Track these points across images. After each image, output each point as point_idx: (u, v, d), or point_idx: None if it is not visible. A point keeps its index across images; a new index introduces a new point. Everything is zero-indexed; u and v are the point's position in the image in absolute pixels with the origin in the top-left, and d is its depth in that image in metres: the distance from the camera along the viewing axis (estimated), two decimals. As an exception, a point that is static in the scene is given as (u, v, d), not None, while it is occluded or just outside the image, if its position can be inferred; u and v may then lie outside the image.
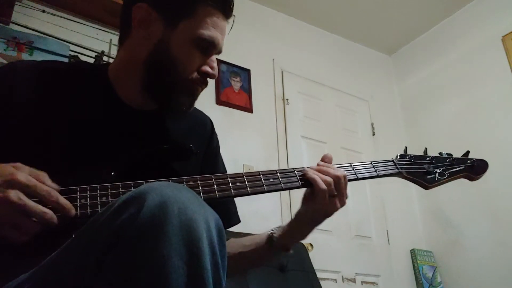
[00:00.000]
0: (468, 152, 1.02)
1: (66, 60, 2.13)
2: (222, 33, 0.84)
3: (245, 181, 0.78)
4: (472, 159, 1.01)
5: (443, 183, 0.96)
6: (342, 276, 2.81)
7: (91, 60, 2.29)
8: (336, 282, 2.76)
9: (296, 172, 0.84)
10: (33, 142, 0.75)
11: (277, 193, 2.68)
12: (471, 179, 1.00)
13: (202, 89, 0.86)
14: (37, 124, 0.77)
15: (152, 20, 0.81)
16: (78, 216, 0.65)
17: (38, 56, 2.08)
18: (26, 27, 2.17)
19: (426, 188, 0.95)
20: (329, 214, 0.84)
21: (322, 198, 0.81)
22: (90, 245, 0.53)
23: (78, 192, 0.67)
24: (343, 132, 3.34)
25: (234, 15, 0.86)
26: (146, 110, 0.87)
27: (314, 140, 3.14)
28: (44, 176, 0.65)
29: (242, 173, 0.79)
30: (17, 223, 0.61)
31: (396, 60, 3.97)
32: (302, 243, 1.89)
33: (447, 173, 0.96)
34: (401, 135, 3.67)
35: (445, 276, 3.10)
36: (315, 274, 1.91)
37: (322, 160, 0.88)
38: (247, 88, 2.97)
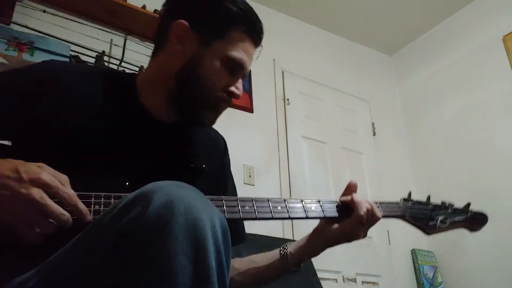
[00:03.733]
0: (469, 204, 1.04)
1: (66, 60, 2.13)
2: (250, 58, 0.90)
3: (254, 205, 0.80)
4: (472, 211, 1.03)
5: (443, 230, 0.99)
6: (343, 276, 2.81)
7: (92, 60, 2.29)
8: (336, 282, 2.76)
9: (304, 203, 0.86)
10: (54, 144, 0.76)
11: (279, 194, 2.69)
12: (471, 230, 1.03)
13: (226, 107, 0.90)
14: (61, 126, 0.78)
15: (189, 37, 0.86)
16: (91, 221, 0.66)
17: (39, 56, 2.08)
18: (26, 27, 2.18)
19: (427, 234, 0.99)
20: (351, 240, 0.88)
21: (357, 223, 0.86)
22: (96, 243, 0.53)
23: (92, 198, 0.68)
24: (343, 132, 3.34)
25: (262, 46, 0.93)
26: (168, 121, 0.90)
27: (314, 140, 3.14)
28: (66, 180, 0.66)
29: (252, 198, 0.80)
30: (35, 222, 0.61)
31: (396, 60, 3.97)
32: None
33: (448, 222, 0.99)
34: (402, 135, 3.67)
35: (446, 276, 3.10)
36: (316, 274, 1.90)
37: (349, 187, 0.92)
38: (247, 88, 2.97)
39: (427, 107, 3.54)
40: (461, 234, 3.34)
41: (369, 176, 3.27)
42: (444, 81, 3.45)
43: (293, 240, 0.95)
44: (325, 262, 2.68)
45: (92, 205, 0.67)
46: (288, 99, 3.14)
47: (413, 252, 3.16)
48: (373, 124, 3.54)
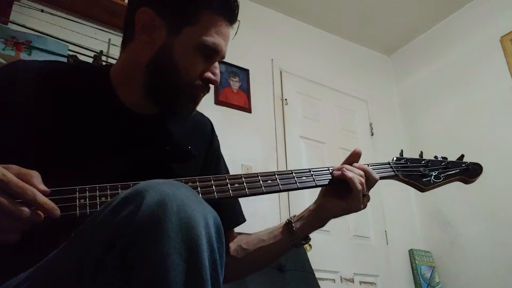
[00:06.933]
0: (462, 155, 1.03)
1: (64, 60, 2.13)
2: (225, 40, 0.84)
3: (243, 182, 0.78)
4: (467, 162, 1.01)
5: (438, 185, 0.97)
6: (341, 276, 2.81)
7: (90, 60, 2.28)
8: (334, 282, 2.76)
9: (294, 174, 0.85)
10: (32, 143, 0.74)
11: (276, 194, 2.68)
12: (466, 182, 1.00)
13: (204, 95, 0.86)
14: (37, 125, 0.76)
15: (156, 25, 0.81)
16: (78, 216, 0.65)
17: (37, 56, 2.07)
18: (24, 26, 2.17)
19: (422, 190, 0.96)
20: (354, 212, 0.87)
21: (358, 197, 0.84)
22: (89, 243, 0.53)
23: (77, 192, 0.66)
24: (342, 133, 3.34)
25: (239, 21, 0.86)
26: (147, 113, 0.87)
27: (313, 140, 3.14)
28: (35, 176, 0.62)
29: (241, 175, 0.79)
30: None
31: (395, 61, 3.97)
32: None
33: (442, 176, 0.97)
34: (400, 136, 3.68)
35: (443, 276, 3.10)
36: (314, 274, 1.90)
37: (353, 155, 0.90)
38: (245, 88, 2.97)
39: (425, 107, 3.55)
40: (459, 234, 3.33)
41: (367, 176, 3.28)
42: (442, 81, 3.45)
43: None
44: (323, 262, 2.68)
45: (77, 200, 0.66)
46: (286, 99, 3.14)
47: (411, 252, 3.17)
48: (371, 124, 3.54)
